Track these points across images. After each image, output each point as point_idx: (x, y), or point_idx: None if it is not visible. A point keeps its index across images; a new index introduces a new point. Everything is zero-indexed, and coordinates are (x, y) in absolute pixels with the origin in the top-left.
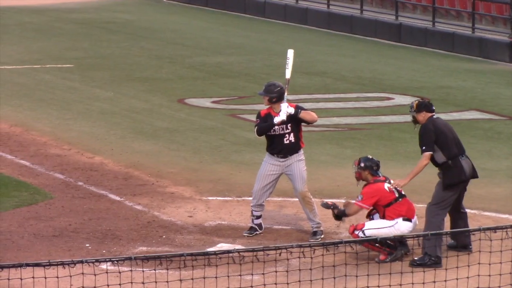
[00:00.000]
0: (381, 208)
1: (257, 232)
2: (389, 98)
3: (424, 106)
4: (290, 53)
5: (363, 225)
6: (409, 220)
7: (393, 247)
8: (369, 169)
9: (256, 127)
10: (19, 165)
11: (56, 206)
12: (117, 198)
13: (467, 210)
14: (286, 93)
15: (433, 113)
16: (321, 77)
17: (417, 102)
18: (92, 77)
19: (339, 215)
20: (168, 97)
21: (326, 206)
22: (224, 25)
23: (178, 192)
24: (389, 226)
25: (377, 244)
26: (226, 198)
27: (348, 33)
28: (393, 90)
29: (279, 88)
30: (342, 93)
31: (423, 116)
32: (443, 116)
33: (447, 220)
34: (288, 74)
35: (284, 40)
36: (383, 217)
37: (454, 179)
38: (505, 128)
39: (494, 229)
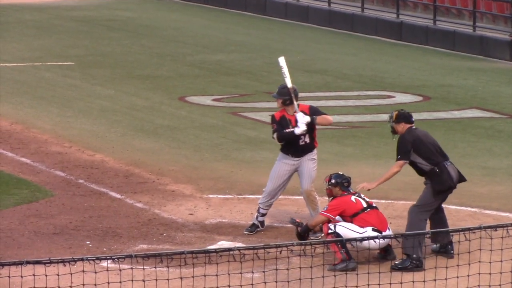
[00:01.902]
0: (348, 219)
1: (258, 229)
2: (390, 96)
3: (403, 117)
4: (282, 61)
5: (338, 221)
6: (379, 231)
7: (349, 255)
8: (339, 185)
9: (276, 134)
10: (20, 163)
11: (57, 204)
12: (118, 196)
13: (468, 209)
14: (295, 102)
15: (412, 124)
16: (322, 75)
17: (396, 112)
18: (93, 75)
19: (301, 233)
20: (169, 94)
21: (292, 222)
22: (225, 23)
23: (179, 190)
24: (359, 233)
25: (339, 245)
26: (226, 196)
27: (349, 31)
28: (394, 88)
29: (292, 90)
30: (343, 91)
31: (401, 127)
32: (444, 115)
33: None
34: (289, 83)
35: (285, 38)
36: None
37: (444, 185)
38: (506, 127)
39: (495, 227)
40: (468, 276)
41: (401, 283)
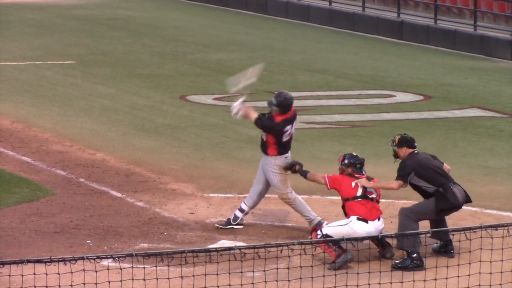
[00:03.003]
0: (342, 200)
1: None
2: (390, 96)
3: (405, 141)
4: (257, 68)
5: (322, 226)
6: (365, 220)
7: (342, 248)
8: (352, 166)
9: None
10: (21, 162)
11: (58, 203)
12: (119, 195)
13: (469, 208)
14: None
15: (414, 149)
16: (323, 74)
17: (399, 136)
18: (94, 74)
19: (297, 171)
20: (170, 93)
21: (289, 166)
22: (226, 22)
23: (180, 189)
24: (344, 225)
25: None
26: (227, 195)
27: (350, 30)
28: (394, 87)
29: (291, 101)
30: (343, 90)
31: (403, 152)
32: (445, 114)
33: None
34: (239, 86)
35: (286, 37)
36: (343, 209)
37: (448, 204)
38: (507, 126)
39: (496, 226)
40: (469, 275)
41: (401, 282)
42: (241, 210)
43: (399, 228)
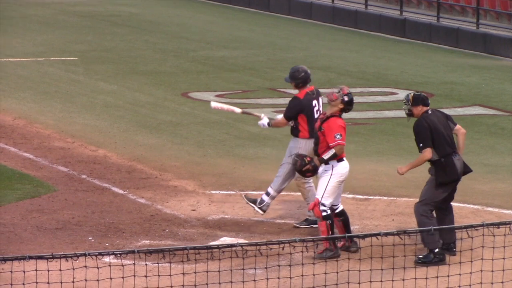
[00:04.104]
0: (324, 146)
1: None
2: (393, 93)
3: (420, 99)
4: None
5: (317, 199)
6: (342, 159)
7: (336, 247)
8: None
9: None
10: (23, 158)
11: (59, 199)
12: (120, 191)
13: (471, 206)
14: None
15: (429, 107)
16: (325, 72)
17: (412, 95)
18: (96, 70)
19: (313, 168)
20: (172, 90)
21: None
22: (229, 19)
23: (181, 186)
24: (331, 176)
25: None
26: (229, 192)
27: (352, 28)
28: (397, 85)
29: (303, 74)
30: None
31: (419, 110)
32: (447, 112)
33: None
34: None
35: (288, 34)
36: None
37: (447, 177)
38: (509, 124)
39: (497, 224)
40: (471, 273)
41: (403, 280)
42: (267, 194)
43: (418, 227)
